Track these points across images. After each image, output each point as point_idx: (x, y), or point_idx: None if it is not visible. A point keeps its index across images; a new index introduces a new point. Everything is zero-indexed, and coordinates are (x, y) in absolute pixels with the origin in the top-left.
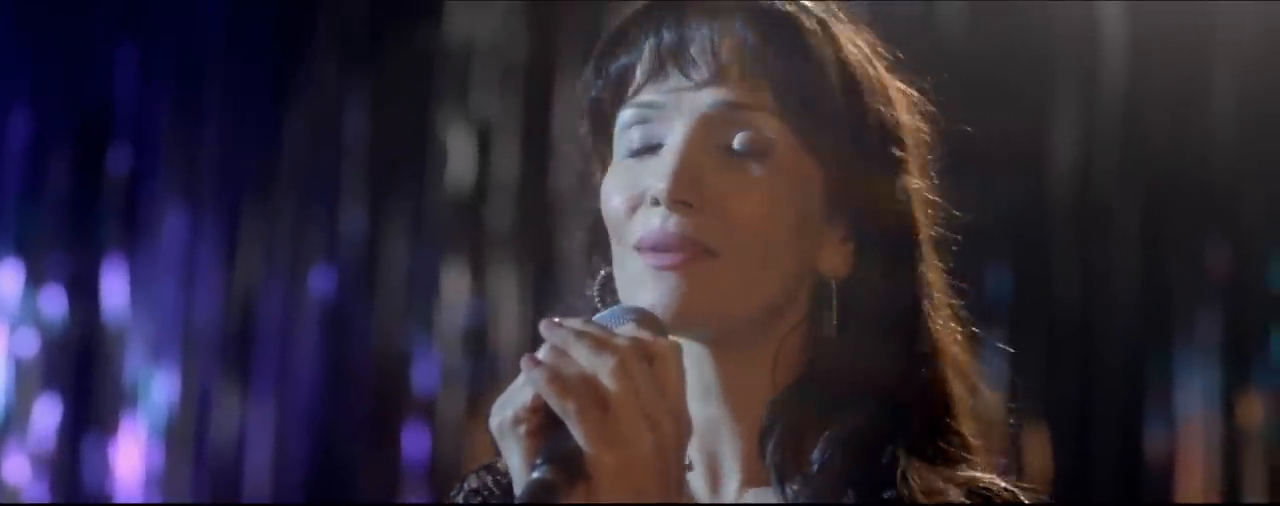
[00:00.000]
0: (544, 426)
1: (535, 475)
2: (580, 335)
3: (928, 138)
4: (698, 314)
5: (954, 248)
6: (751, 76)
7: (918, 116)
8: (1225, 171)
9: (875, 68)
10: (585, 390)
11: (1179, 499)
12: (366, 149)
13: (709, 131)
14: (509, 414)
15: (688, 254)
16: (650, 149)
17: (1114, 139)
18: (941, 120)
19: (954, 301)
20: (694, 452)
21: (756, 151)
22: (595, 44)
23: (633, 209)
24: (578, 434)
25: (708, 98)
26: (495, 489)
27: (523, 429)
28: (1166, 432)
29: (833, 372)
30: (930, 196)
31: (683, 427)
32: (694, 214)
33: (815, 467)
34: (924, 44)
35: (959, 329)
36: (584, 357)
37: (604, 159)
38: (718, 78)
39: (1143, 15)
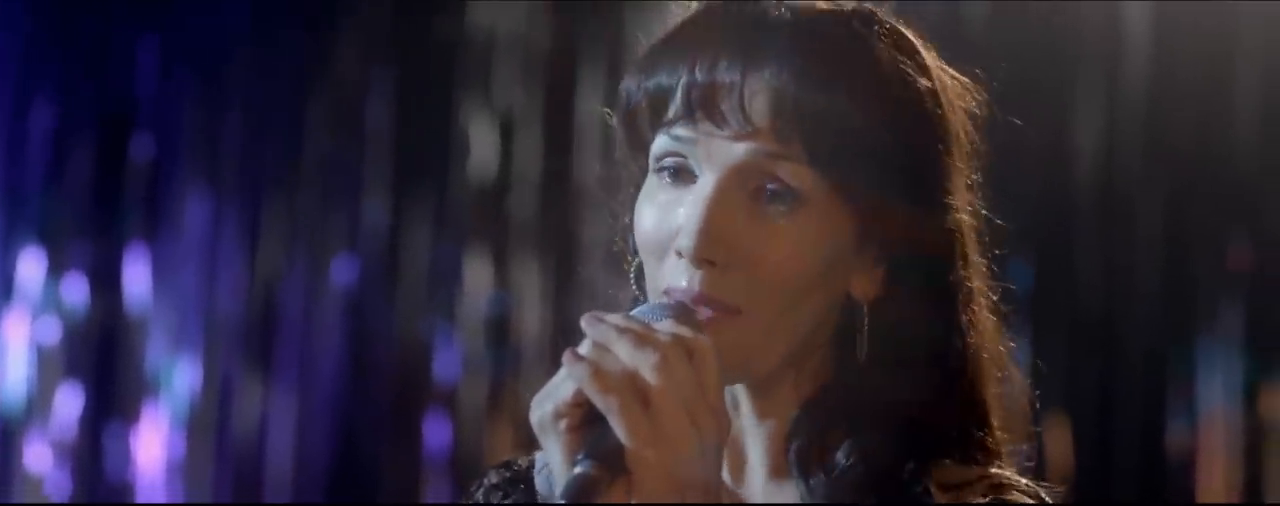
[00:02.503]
0: (585, 422)
1: (577, 470)
2: (622, 330)
3: (976, 146)
4: (724, 371)
5: (984, 237)
6: (783, 130)
7: (969, 125)
8: (1248, 162)
9: (927, 78)
10: (628, 386)
11: (1200, 492)
12: (389, 138)
13: (741, 181)
14: (550, 408)
15: (712, 312)
16: (685, 178)
17: (1137, 130)
18: (986, 116)
19: (991, 290)
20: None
21: (786, 201)
22: (619, 41)
23: (662, 248)
24: (620, 429)
25: (739, 149)
26: (515, 484)
27: (564, 424)
28: (1188, 425)
29: (858, 388)
30: (972, 203)
31: (723, 424)
32: (718, 272)
33: (836, 472)
34: (948, 40)
35: (995, 323)
36: (626, 353)
37: (639, 161)
38: (748, 130)
39: (1167, 9)
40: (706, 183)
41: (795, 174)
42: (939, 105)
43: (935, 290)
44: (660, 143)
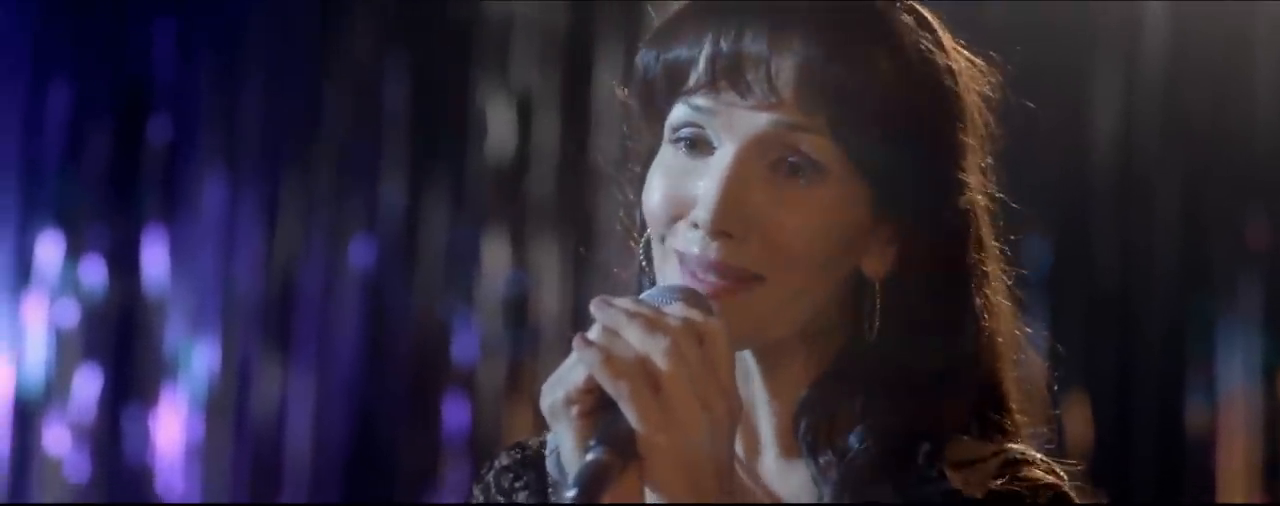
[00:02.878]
0: (597, 407)
1: (589, 456)
2: (632, 315)
3: (992, 129)
4: (738, 338)
5: (999, 221)
6: (807, 101)
7: (984, 107)
8: (1266, 142)
9: (945, 57)
10: (639, 371)
11: (1220, 471)
12: (406, 120)
13: (760, 151)
14: (561, 394)
15: (729, 281)
16: (702, 148)
17: (1155, 111)
18: (1005, 98)
19: (1006, 274)
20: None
21: (807, 173)
22: (637, 21)
23: (674, 217)
24: (631, 415)
25: (762, 119)
26: (526, 466)
27: (575, 409)
28: (1207, 405)
29: (869, 367)
30: (987, 185)
31: (734, 407)
32: (736, 242)
33: (849, 453)
34: (966, 22)
35: (1011, 306)
36: (637, 338)
37: (653, 133)
38: (772, 101)
39: None
40: (726, 153)
41: (817, 146)
42: (957, 87)
43: (947, 270)
44: (678, 112)
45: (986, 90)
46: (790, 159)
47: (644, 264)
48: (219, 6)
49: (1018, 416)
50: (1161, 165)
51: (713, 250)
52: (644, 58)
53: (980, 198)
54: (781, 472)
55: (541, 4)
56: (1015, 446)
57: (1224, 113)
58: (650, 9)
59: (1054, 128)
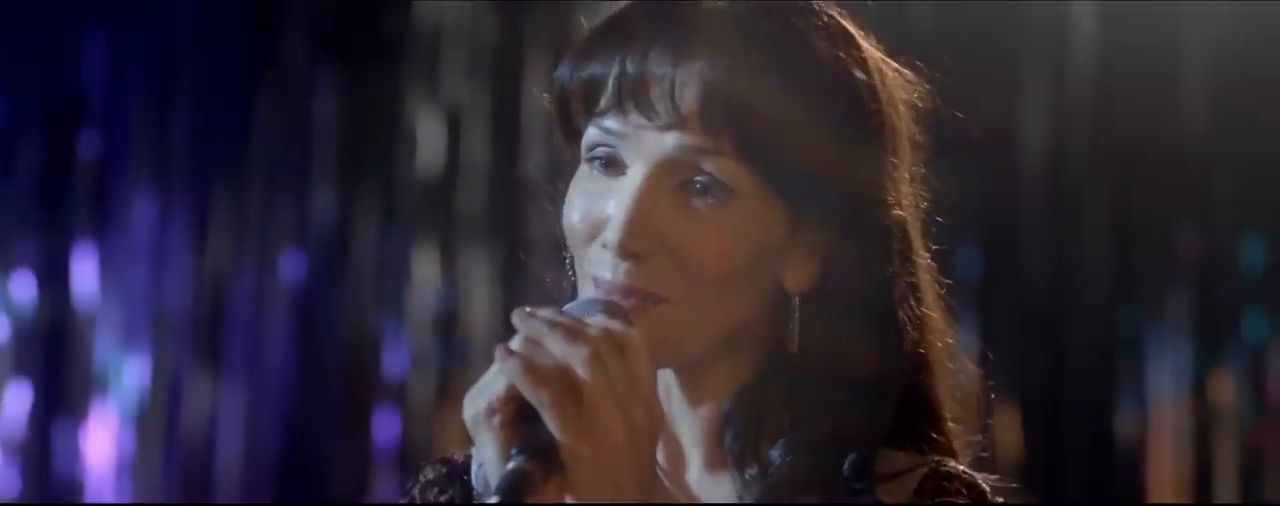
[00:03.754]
0: (519, 417)
1: (511, 465)
2: (553, 325)
3: (919, 139)
4: (653, 358)
5: (932, 230)
6: (712, 123)
7: (909, 118)
8: (1195, 152)
9: (865, 72)
10: (560, 380)
11: (1151, 480)
12: (336, 134)
13: (668, 173)
14: (483, 404)
15: (637, 300)
16: (615, 168)
17: (1084, 121)
18: (934, 107)
19: (939, 286)
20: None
21: (715, 194)
22: (565, 36)
23: (590, 237)
24: (552, 424)
25: (668, 141)
26: (451, 480)
27: (497, 419)
28: (1137, 413)
29: (792, 380)
30: (915, 196)
31: (655, 416)
32: (645, 263)
33: (773, 467)
34: (893, 33)
35: (942, 318)
36: (557, 347)
37: (572, 150)
38: (677, 122)
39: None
40: (634, 175)
41: (723, 168)
42: (876, 99)
43: (870, 284)
44: (591, 134)
45: (914, 99)
46: (697, 180)
47: (573, 278)
48: (149, 21)
49: (950, 425)
50: (1091, 175)
51: (622, 272)
52: (561, 74)
53: (907, 208)
54: (706, 486)
55: (470, 17)
56: (941, 459)
57: (1152, 123)
58: (582, 20)
59: (983, 137)
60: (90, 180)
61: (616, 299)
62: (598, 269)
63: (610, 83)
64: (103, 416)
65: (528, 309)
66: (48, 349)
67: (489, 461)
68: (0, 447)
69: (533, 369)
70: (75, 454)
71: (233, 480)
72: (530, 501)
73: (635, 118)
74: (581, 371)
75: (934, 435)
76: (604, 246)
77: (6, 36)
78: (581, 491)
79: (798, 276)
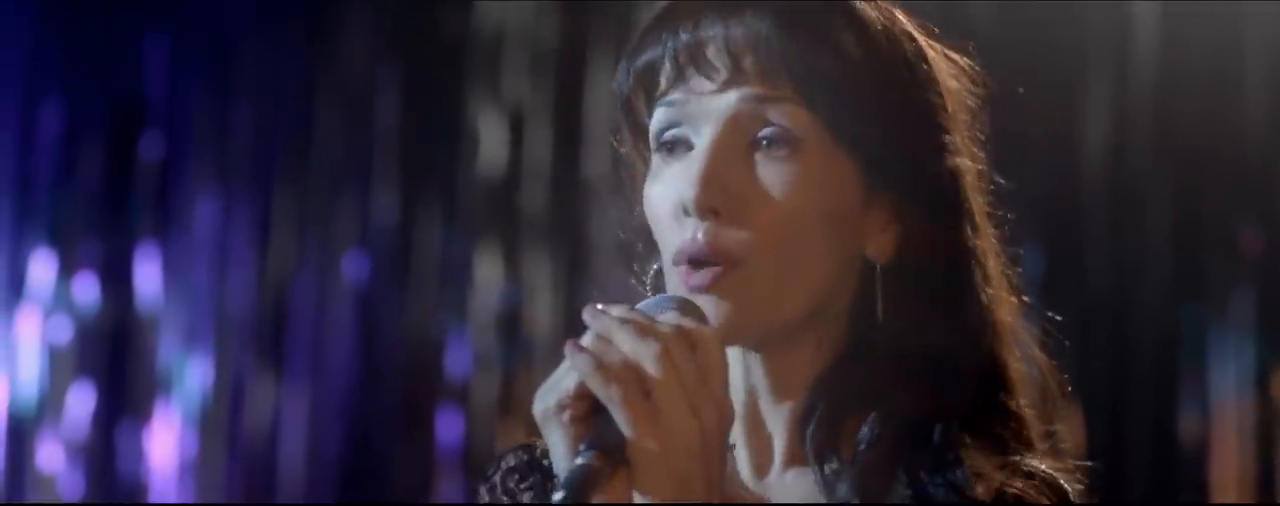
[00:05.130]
0: (588, 413)
1: (578, 461)
2: (624, 322)
3: (974, 103)
4: (736, 329)
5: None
6: (771, 71)
7: (964, 81)
8: (1258, 148)
9: (913, 42)
10: (629, 377)
11: (1213, 479)
12: (399, 134)
13: (736, 130)
14: (552, 400)
15: (720, 266)
16: (683, 149)
17: (1147, 118)
18: (990, 84)
19: (1009, 271)
20: (737, 435)
21: (784, 144)
22: (628, 36)
23: (673, 217)
24: (621, 420)
25: (731, 98)
26: (532, 468)
27: (567, 415)
28: (1201, 413)
29: (878, 354)
30: (979, 167)
31: (725, 414)
32: (723, 221)
33: (863, 446)
34: (956, 31)
35: (1014, 300)
36: (628, 344)
37: (643, 155)
38: (737, 77)
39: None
40: (703, 139)
41: (788, 114)
42: (926, 60)
43: (949, 251)
44: (656, 117)
45: (966, 85)
46: (763, 133)
47: (642, 284)
48: (211, 22)
49: (1026, 412)
50: (1154, 172)
51: (702, 233)
52: (620, 75)
53: (968, 164)
54: (788, 482)
55: (533, 18)
56: (1022, 457)
57: (1215, 119)
58: (641, 22)
59: (1046, 136)
60: (153, 182)
61: (697, 276)
62: (680, 238)
63: (666, 59)
64: (166, 417)
65: (599, 305)
66: (111, 350)
67: (558, 457)
68: (64, 449)
69: (602, 365)
70: (138, 455)
71: (295, 481)
72: (597, 497)
73: (695, 82)
74: (650, 368)
75: (1011, 423)
76: (685, 212)
77: (69, 40)
78: (649, 488)
79: (879, 245)
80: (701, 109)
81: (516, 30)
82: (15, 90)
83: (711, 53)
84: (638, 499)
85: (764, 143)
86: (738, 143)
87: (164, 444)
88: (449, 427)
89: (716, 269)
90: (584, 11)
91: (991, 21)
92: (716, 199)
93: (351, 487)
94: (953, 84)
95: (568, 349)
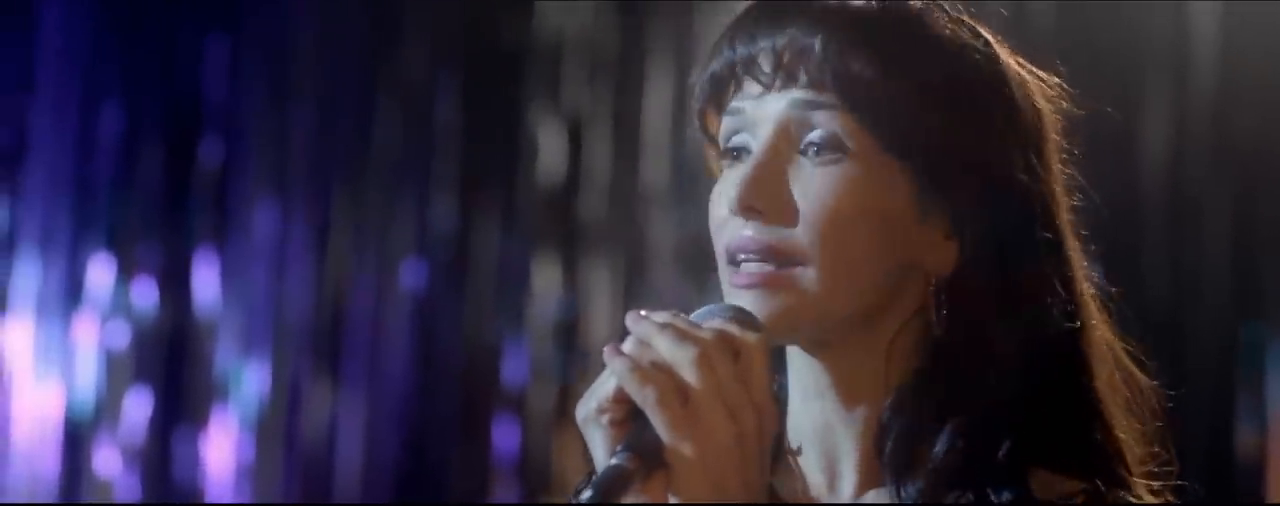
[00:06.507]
0: (626, 417)
1: (612, 461)
2: (663, 327)
3: (1053, 120)
4: (783, 323)
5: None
6: (818, 78)
7: (1043, 99)
8: None
9: (986, 56)
10: (665, 380)
11: (1271, 494)
12: (457, 141)
13: (786, 135)
14: (593, 404)
15: (763, 260)
16: (746, 155)
17: (1205, 128)
18: (1074, 103)
19: (1096, 287)
20: (811, 452)
21: (829, 149)
22: (686, 44)
23: (724, 219)
24: (656, 423)
25: (782, 103)
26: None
27: (606, 419)
28: (1258, 428)
29: (946, 371)
30: (1059, 186)
31: (765, 420)
32: (767, 220)
33: (936, 461)
34: (1012, 39)
35: (1099, 314)
36: (665, 348)
37: (719, 166)
38: (787, 83)
39: (1234, 6)
40: (759, 141)
41: (832, 120)
42: (997, 69)
43: (1015, 268)
44: (722, 126)
45: (1052, 104)
46: (811, 137)
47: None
48: (270, 28)
49: (1120, 435)
50: (1212, 184)
51: (748, 229)
52: (691, 88)
53: (1052, 196)
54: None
55: (592, 25)
56: (1106, 484)
57: (1274, 129)
58: (703, 31)
59: (1104, 146)
60: (211, 187)
61: (746, 261)
62: (729, 237)
63: (729, 71)
64: (223, 423)
65: (642, 311)
66: (169, 355)
67: (597, 460)
68: (121, 454)
69: (639, 368)
70: (195, 460)
71: (352, 487)
72: (631, 498)
73: (753, 89)
74: (686, 373)
75: (1097, 440)
76: (731, 212)
77: (127, 44)
78: (685, 491)
79: (937, 259)
80: (758, 116)
81: (576, 37)
82: (75, 94)
83: (765, 61)
84: (674, 501)
85: (813, 150)
86: (787, 147)
87: (220, 449)
88: (505, 436)
89: (763, 265)
90: (643, 19)
91: (1048, 26)
92: (760, 199)
93: (407, 494)
94: (1039, 102)
95: (606, 352)
